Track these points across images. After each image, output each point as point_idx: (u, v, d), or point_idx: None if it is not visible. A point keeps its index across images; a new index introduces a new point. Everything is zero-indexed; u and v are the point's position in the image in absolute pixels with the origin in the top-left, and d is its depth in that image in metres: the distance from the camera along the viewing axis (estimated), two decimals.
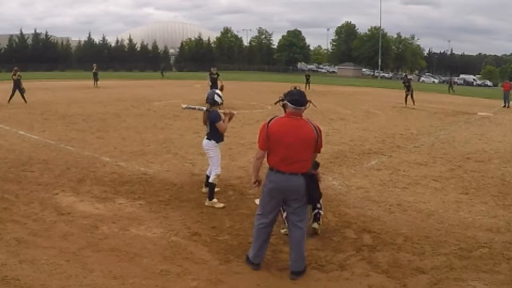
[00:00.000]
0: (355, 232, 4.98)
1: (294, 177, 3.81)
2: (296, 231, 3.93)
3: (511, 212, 5.89)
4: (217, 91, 6.01)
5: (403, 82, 21.19)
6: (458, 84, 66.19)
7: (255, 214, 4.12)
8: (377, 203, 6.05)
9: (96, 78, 27.97)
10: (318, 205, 5.03)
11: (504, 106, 22.96)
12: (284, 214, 4.38)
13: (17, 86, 17.04)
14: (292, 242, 3.96)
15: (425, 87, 42.10)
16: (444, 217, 5.57)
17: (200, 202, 5.79)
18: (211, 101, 5.78)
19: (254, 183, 4.06)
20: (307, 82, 31.05)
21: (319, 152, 4.03)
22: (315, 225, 4.97)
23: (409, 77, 26.21)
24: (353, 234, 4.92)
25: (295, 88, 4.06)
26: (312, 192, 3.93)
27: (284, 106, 4.03)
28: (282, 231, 4.85)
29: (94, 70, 28.47)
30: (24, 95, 17.06)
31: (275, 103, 4.15)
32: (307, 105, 3.93)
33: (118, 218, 5.14)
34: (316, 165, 4.96)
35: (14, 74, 17.14)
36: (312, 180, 3.94)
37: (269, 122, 3.89)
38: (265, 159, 3.98)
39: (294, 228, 3.95)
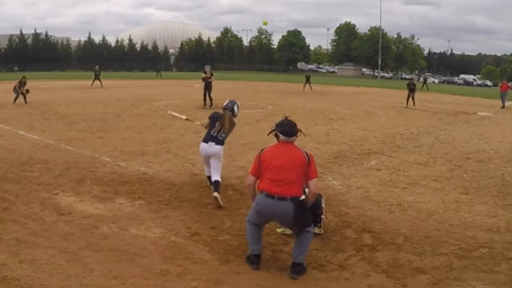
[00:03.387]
0: (355, 232, 4.98)
1: (282, 202, 3.81)
2: (301, 234, 3.99)
3: (511, 212, 5.89)
4: (238, 102, 6.28)
5: (408, 84, 21.16)
6: (458, 84, 66.35)
7: (247, 216, 4.20)
8: (377, 203, 6.05)
9: (97, 78, 27.94)
10: (319, 211, 4.95)
11: (503, 107, 22.97)
12: None
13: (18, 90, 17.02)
14: (297, 238, 4.03)
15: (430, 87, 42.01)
16: (444, 217, 5.57)
17: (200, 202, 5.79)
18: (231, 110, 6.09)
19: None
20: (307, 82, 30.86)
21: (313, 177, 3.95)
22: (316, 230, 4.82)
23: (409, 76, 26.28)
24: (353, 234, 4.92)
25: (286, 118, 4.15)
26: (301, 218, 3.87)
27: (276, 135, 4.13)
28: (279, 230, 4.85)
29: (96, 71, 28.51)
30: (27, 96, 17.16)
31: (268, 134, 4.25)
32: (298, 134, 4.06)
33: (118, 218, 5.14)
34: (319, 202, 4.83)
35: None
36: (301, 207, 3.86)
37: (263, 150, 4.04)
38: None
39: (298, 232, 4.00)
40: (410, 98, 20.56)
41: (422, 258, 4.34)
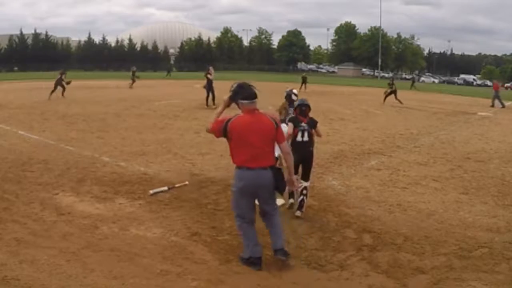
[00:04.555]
0: (355, 232, 4.98)
1: (263, 171, 3.95)
2: (273, 219, 4.19)
3: (511, 212, 5.89)
4: (295, 91, 6.98)
5: (388, 84, 21.72)
6: (458, 84, 66.34)
7: (236, 219, 4.19)
8: (377, 203, 6.05)
9: (133, 79, 28.13)
10: (305, 191, 5.50)
11: (503, 107, 23.00)
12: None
13: (59, 83, 19.38)
14: (271, 227, 4.19)
15: (425, 87, 42.06)
16: (444, 217, 5.57)
17: (200, 202, 5.80)
18: (289, 98, 6.80)
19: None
20: (304, 82, 30.93)
21: (282, 141, 4.06)
22: (298, 213, 5.46)
23: (389, 75, 26.52)
24: (353, 234, 4.92)
25: (241, 82, 4.14)
26: (281, 183, 4.10)
27: (238, 104, 4.09)
28: None
29: (133, 71, 28.80)
30: (54, 93, 18.94)
31: (229, 105, 4.19)
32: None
33: (118, 218, 5.14)
34: (315, 122, 5.66)
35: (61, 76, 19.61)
36: (278, 172, 4.08)
37: (229, 120, 3.97)
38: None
39: (271, 217, 4.19)
40: (393, 97, 20.95)
41: (422, 258, 4.34)
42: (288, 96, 6.94)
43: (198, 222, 5.12)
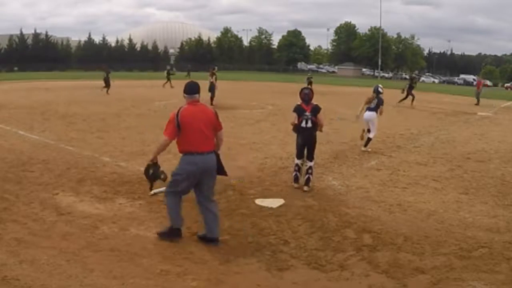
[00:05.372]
0: (355, 232, 4.98)
1: (210, 155, 4.44)
2: (213, 207, 4.57)
3: (511, 212, 5.89)
4: (380, 85, 9.77)
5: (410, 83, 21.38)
6: (458, 84, 66.29)
7: (167, 191, 4.57)
8: (377, 203, 6.05)
9: (168, 78, 28.17)
10: (310, 170, 6.52)
11: (477, 104, 23.19)
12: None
13: (107, 80, 22.02)
14: (211, 216, 4.54)
15: (425, 87, 42.04)
16: (444, 217, 5.57)
17: None
18: (375, 91, 9.63)
19: (152, 161, 4.65)
20: (309, 84, 30.50)
21: (220, 129, 4.63)
22: (305, 188, 6.49)
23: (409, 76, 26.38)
24: (353, 234, 4.92)
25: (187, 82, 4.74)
26: (221, 166, 4.62)
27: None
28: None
29: (167, 72, 28.96)
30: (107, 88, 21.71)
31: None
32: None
33: (118, 218, 5.15)
34: (318, 108, 6.53)
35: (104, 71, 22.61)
36: (218, 157, 4.60)
37: (178, 112, 4.41)
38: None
39: (210, 204, 4.57)
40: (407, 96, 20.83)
41: (422, 258, 4.34)
42: (376, 90, 9.64)
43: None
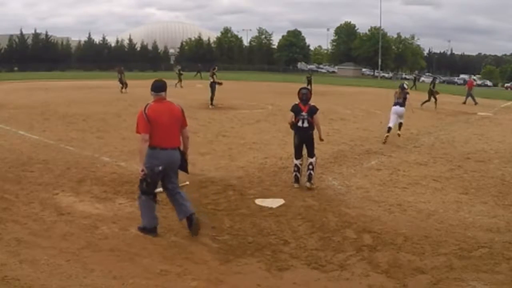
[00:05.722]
0: (355, 232, 4.98)
1: (174, 151, 4.64)
2: (179, 196, 4.75)
3: (511, 212, 5.89)
4: (406, 82, 10.69)
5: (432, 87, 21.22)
6: (458, 84, 66.27)
7: (140, 194, 4.66)
8: (377, 203, 6.05)
9: (180, 79, 28.61)
10: (311, 166, 6.56)
11: (464, 103, 23.35)
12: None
13: (122, 79, 23.22)
14: (177, 199, 4.72)
15: (425, 87, 41.99)
16: (444, 217, 5.57)
17: (200, 202, 5.80)
18: (401, 88, 11.12)
19: (143, 171, 4.55)
20: (309, 84, 28.95)
21: (186, 126, 4.82)
22: (308, 184, 6.54)
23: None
24: (353, 234, 4.92)
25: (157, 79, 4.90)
26: (185, 162, 4.85)
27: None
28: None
29: (178, 71, 29.40)
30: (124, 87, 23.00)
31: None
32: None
33: (118, 218, 5.15)
34: (315, 109, 6.66)
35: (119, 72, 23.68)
36: (182, 153, 4.79)
37: (145, 109, 4.58)
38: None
39: (177, 194, 4.74)
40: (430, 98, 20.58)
41: (422, 258, 4.34)
42: (401, 86, 11.24)
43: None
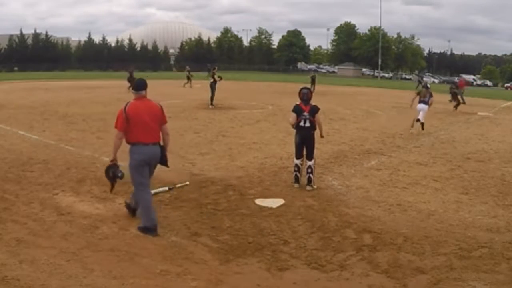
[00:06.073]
0: (355, 232, 4.98)
1: (155, 146, 4.84)
2: (148, 193, 4.90)
3: (511, 212, 5.89)
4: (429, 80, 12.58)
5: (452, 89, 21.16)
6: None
7: (135, 191, 4.87)
8: (377, 203, 6.05)
9: (189, 79, 28.79)
10: (309, 170, 6.56)
11: (463, 103, 23.13)
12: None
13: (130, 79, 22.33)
14: (148, 201, 4.84)
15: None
16: (444, 217, 5.57)
17: (200, 202, 5.80)
18: (425, 87, 13.00)
19: (112, 161, 4.93)
20: (313, 83, 28.73)
21: (165, 123, 5.00)
22: (308, 187, 6.50)
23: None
24: (353, 234, 4.92)
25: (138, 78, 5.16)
26: (165, 156, 4.99)
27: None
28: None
29: (187, 72, 29.59)
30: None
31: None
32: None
33: (118, 218, 5.15)
34: (316, 109, 6.69)
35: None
36: (163, 148, 4.98)
37: (125, 107, 4.79)
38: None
39: (147, 190, 4.89)
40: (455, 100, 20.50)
41: (422, 258, 4.34)
42: (425, 85, 13.32)
43: (198, 222, 5.13)
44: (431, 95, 12.54)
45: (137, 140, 4.75)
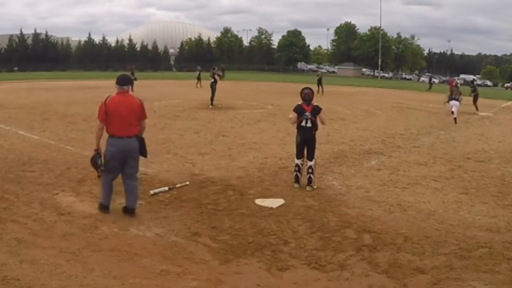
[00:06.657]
0: (355, 232, 4.98)
1: (130, 139, 5.04)
2: (132, 182, 5.22)
3: (511, 212, 5.89)
4: (457, 79, 13.25)
5: (471, 88, 21.10)
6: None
7: (104, 172, 5.14)
8: (377, 203, 6.05)
9: (199, 80, 28.68)
10: (310, 170, 6.55)
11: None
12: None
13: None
14: (130, 189, 5.20)
15: (425, 87, 42.02)
16: (444, 217, 5.57)
17: (200, 202, 5.80)
18: (456, 86, 15.65)
19: (95, 150, 5.16)
20: (319, 85, 27.21)
21: (145, 118, 5.24)
22: (308, 188, 6.49)
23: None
24: (353, 234, 4.92)
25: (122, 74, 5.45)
26: (143, 149, 5.24)
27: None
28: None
29: (198, 73, 29.47)
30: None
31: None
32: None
33: (118, 218, 5.14)
34: (318, 109, 6.64)
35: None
36: (141, 141, 5.19)
37: (106, 100, 5.02)
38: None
39: (130, 179, 5.21)
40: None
41: (422, 258, 4.34)
42: (456, 84, 15.70)
43: (198, 222, 5.12)
44: (460, 93, 15.15)
45: (113, 132, 4.99)
